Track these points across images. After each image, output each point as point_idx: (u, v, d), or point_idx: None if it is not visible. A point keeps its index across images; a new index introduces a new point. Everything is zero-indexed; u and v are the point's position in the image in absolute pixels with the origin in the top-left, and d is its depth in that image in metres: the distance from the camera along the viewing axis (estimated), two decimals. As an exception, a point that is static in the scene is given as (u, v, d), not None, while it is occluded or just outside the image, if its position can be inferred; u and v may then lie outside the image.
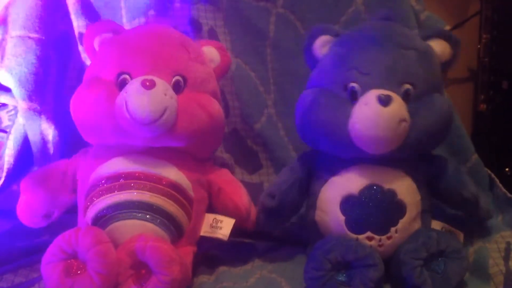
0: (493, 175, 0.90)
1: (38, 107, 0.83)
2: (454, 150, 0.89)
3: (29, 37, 0.82)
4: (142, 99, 0.65)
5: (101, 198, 0.68)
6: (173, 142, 0.70)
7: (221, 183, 0.76)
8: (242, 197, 0.76)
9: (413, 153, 0.69)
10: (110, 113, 0.67)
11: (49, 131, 0.85)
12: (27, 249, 0.78)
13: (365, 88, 0.65)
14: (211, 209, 0.76)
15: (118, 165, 0.70)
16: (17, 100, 0.83)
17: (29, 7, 0.82)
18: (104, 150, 0.72)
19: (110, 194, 0.68)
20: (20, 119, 0.85)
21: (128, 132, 0.67)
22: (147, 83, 0.65)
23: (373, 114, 0.63)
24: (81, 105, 0.70)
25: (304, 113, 0.70)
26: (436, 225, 0.72)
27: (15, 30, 0.82)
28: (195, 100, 0.71)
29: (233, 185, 0.77)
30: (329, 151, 0.71)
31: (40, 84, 0.82)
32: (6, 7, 0.85)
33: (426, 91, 0.67)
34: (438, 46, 0.72)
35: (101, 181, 0.69)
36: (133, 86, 0.66)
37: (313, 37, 0.74)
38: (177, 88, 0.70)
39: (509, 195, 0.86)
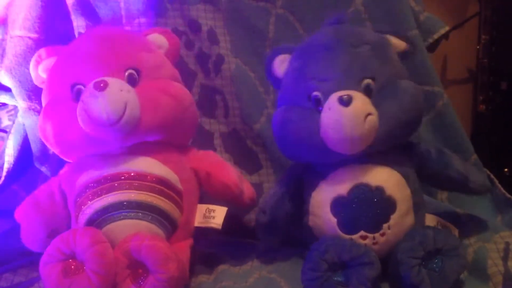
0: (492, 176, 0.90)
1: (38, 107, 0.83)
2: (453, 151, 0.88)
3: (29, 37, 0.82)
4: (99, 101, 0.64)
5: (89, 204, 0.68)
6: (146, 135, 0.69)
7: (208, 167, 0.75)
8: (230, 176, 0.75)
9: (391, 144, 0.69)
10: (76, 126, 0.67)
11: (49, 131, 0.84)
12: (26, 249, 0.78)
13: (327, 94, 0.66)
14: (203, 196, 0.76)
15: (100, 169, 0.69)
16: (17, 99, 0.84)
17: (29, 7, 0.82)
18: (85, 160, 0.71)
19: (97, 199, 0.68)
20: (20, 119, 0.86)
21: (99, 139, 0.67)
22: (101, 85, 0.64)
23: (338, 116, 0.63)
24: (48, 129, 0.70)
25: (278, 132, 0.72)
26: (430, 219, 0.72)
27: (15, 30, 0.82)
28: (153, 88, 0.70)
29: (219, 166, 0.76)
30: (312, 161, 0.72)
31: (40, 84, 0.82)
32: (6, 7, 0.85)
33: (387, 80, 0.68)
34: (392, 40, 0.73)
35: (87, 187, 0.69)
36: (88, 92, 0.65)
37: (270, 60, 0.76)
38: (132, 81, 0.70)
39: (508, 195, 0.86)
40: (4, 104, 0.90)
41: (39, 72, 0.75)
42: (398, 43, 0.73)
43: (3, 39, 0.85)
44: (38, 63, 0.75)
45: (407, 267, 0.63)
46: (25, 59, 0.82)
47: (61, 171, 0.75)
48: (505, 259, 0.69)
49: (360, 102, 0.64)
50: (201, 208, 0.74)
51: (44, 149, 0.85)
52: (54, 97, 0.71)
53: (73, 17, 0.88)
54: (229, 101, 0.92)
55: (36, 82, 0.77)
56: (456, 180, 0.73)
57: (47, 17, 0.84)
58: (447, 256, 0.64)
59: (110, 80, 0.66)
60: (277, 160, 0.91)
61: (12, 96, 0.85)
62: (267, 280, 0.71)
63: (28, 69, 0.82)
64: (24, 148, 0.88)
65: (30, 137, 0.86)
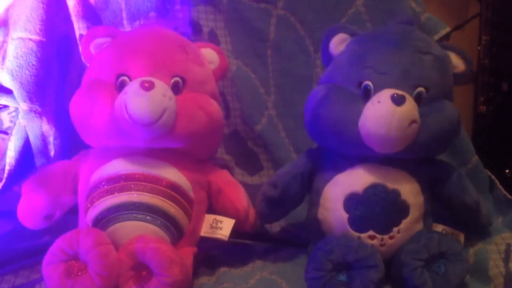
0: (493, 177, 0.90)
1: (39, 109, 0.83)
2: (454, 152, 0.89)
3: (30, 39, 0.82)
4: (141, 100, 0.65)
5: (101, 199, 0.68)
6: (172, 143, 0.70)
7: (221, 184, 0.76)
8: (241, 199, 0.76)
9: (419, 156, 0.69)
10: (110, 115, 0.67)
11: (50, 133, 0.84)
12: (28, 250, 0.78)
13: (379, 87, 0.66)
14: (210, 209, 0.77)
15: (118, 166, 0.70)
16: (18, 101, 0.83)
17: (30, 9, 0.82)
18: (104, 151, 0.72)
19: (110, 196, 0.68)
20: (21, 121, 0.85)
21: (127, 134, 0.67)
22: (146, 84, 0.65)
23: (386, 112, 0.63)
24: (81, 108, 0.70)
25: (315, 108, 0.70)
26: (437, 227, 0.72)
27: (16, 32, 0.82)
28: (194, 101, 0.71)
29: (232, 186, 0.78)
30: (336, 148, 0.71)
31: (41, 86, 0.82)
32: (7, 9, 0.85)
33: (438, 96, 0.68)
34: (453, 58, 0.73)
35: (102, 182, 0.69)
36: (132, 88, 0.66)
37: (330, 35, 0.75)
38: (176, 89, 0.71)
39: (509, 196, 0.86)
40: (5, 106, 0.90)
41: (90, 48, 0.76)
42: (457, 64, 0.72)
43: (4, 41, 0.84)
44: (92, 38, 0.76)
45: (410, 269, 0.63)
46: (26, 61, 0.82)
47: (79, 157, 0.76)
48: (506, 260, 0.69)
49: (411, 106, 0.64)
50: (209, 218, 0.75)
51: (45, 151, 0.85)
52: (97, 79, 0.72)
53: (74, 19, 0.88)
54: (230, 102, 0.92)
55: (83, 57, 0.78)
56: (468, 207, 0.73)
57: (48, 19, 0.84)
58: (450, 260, 0.65)
59: (157, 82, 0.66)
60: (278, 161, 0.91)
61: (13, 98, 0.85)
62: (268, 282, 0.71)
63: (29, 71, 0.81)
64: (25, 149, 0.87)
65: (31, 139, 0.85)
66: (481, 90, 1.06)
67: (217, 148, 0.84)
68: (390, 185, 0.67)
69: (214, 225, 0.73)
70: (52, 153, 0.85)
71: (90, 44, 0.76)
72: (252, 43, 0.93)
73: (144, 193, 0.68)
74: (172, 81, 0.71)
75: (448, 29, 0.94)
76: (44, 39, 0.83)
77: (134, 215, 0.67)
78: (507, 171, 0.98)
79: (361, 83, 0.68)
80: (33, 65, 0.82)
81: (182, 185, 0.71)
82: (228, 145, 0.92)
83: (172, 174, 0.71)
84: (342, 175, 0.70)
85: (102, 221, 0.68)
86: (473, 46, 1.08)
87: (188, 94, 0.71)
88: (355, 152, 0.69)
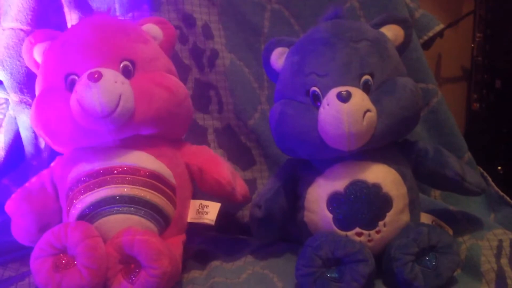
0: (485, 174, 0.90)
1: (30, 100, 0.82)
2: (447, 149, 0.88)
3: (22, 30, 0.82)
4: (92, 92, 0.63)
5: (81, 197, 0.67)
6: (139, 128, 0.68)
7: (201, 163, 0.74)
8: (223, 173, 0.74)
9: (389, 141, 0.69)
10: (69, 118, 0.66)
11: (40, 125, 0.84)
12: (17, 243, 0.77)
13: (326, 90, 0.66)
14: (198, 192, 0.76)
15: (93, 163, 0.68)
16: (8, 92, 0.83)
17: (21, -1, 0.81)
18: (77, 152, 0.71)
19: (89, 193, 0.67)
20: (12, 112, 0.85)
21: (92, 130, 0.66)
22: (95, 75, 0.63)
23: (336, 112, 0.63)
24: (40, 119, 0.69)
25: (276, 127, 0.71)
26: (426, 218, 0.72)
27: (7, 22, 0.82)
28: (148, 80, 0.69)
29: (212, 162, 0.76)
30: (308, 157, 0.72)
31: (32, 77, 0.81)
32: (-2, -1, 0.84)
33: (386, 77, 0.68)
34: (390, 31, 0.72)
35: (79, 181, 0.68)
36: (81, 83, 0.64)
37: (268, 52, 0.75)
38: (127, 73, 0.69)
39: (501, 193, 0.86)
40: (-5, 98, 0.89)
41: (34, 55, 0.74)
42: (395, 36, 0.72)
43: (-6, 31, 0.84)
44: (32, 46, 0.74)
45: (401, 263, 0.63)
46: (17, 52, 0.81)
47: (53, 164, 0.74)
48: (498, 256, 0.69)
49: (359, 98, 0.64)
50: (194, 203, 0.74)
51: (36, 143, 0.84)
52: (47, 86, 0.70)
53: (66, 10, 0.87)
54: (223, 97, 0.91)
55: (29, 66, 0.75)
56: (452, 180, 0.72)
57: (40, 10, 0.83)
58: (441, 253, 0.64)
59: (105, 71, 0.65)
60: (271, 156, 0.91)
61: (4, 89, 0.84)
62: (260, 276, 0.71)
63: (20, 61, 0.81)
64: (16, 142, 0.87)
65: (22, 131, 0.85)
66: (475, 87, 1.07)
67: (188, 123, 0.79)
68: (371, 180, 0.67)
69: (200, 210, 0.73)
70: (42, 145, 0.85)
71: (33, 53, 0.74)
72: (246, 37, 0.93)
73: (123, 185, 0.67)
74: (121, 65, 0.69)
75: (442, 26, 0.95)
76: (35, 30, 0.82)
77: (117, 208, 0.66)
78: (499, 168, 0.99)
79: (308, 91, 0.68)
80: (24, 55, 0.81)
81: (161, 172, 0.70)
82: (220, 140, 0.92)
83: (149, 162, 0.69)
84: (322, 177, 0.70)
85: (85, 218, 0.67)
86: (467, 43, 1.09)
87: (141, 75, 0.70)
88: (327, 156, 0.69)
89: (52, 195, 0.72)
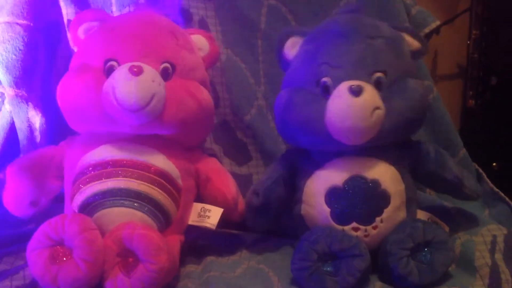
0: (480, 170, 0.91)
1: (26, 94, 0.82)
2: (442, 145, 0.89)
3: (17, 23, 0.81)
4: (129, 85, 0.64)
5: (88, 185, 0.67)
6: (161, 129, 0.69)
7: (209, 172, 0.75)
8: (229, 187, 0.75)
9: (393, 140, 0.69)
10: (97, 100, 0.66)
11: (36, 119, 0.84)
12: (13, 237, 0.77)
13: (337, 81, 0.66)
14: (199, 198, 0.76)
15: (105, 152, 0.69)
16: (4, 86, 0.82)
17: (18, -8, 0.81)
18: (91, 137, 0.71)
19: (97, 182, 0.67)
20: (7, 106, 0.84)
21: (115, 119, 0.66)
22: (135, 69, 0.64)
23: (346, 105, 0.63)
24: (68, 92, 0.69)
25: (281, 114, 0.71)
26: (422, 215, 0.72)
27: (3, 16, 0.81)
28: (183, 88, 0.70)
29: (221, 174, 0.77)
30: (310, 148, 0.72)
31: (28, 71, 0.81)
32: (-6, -7, 0.84)
33: (398, 76, 0.68)
34: (407, 38, 0.72)
35: (88, 168, 0.68)
36: (121, 73, 0.65)
37: (282, 40, 0.75)
38: (165, 75, 0.70)
39: (496, 189, 0.87)
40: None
41: (78, 32, 0.74)
42: (411, 41, 0.72)
43: (-10, 25, 0.83)
44: (79, 23, 0.74)
45: (396, 258, 0.64)
46: (13, 46, 0.81)
47: (65, 143, 0.74)
48: (492, 251, 0.69)
49: (370, 94, 0.64)
50: (197, 206, 0.74)
51: (31, 137, 0.84)
52: (85, 63, 0.70)
53: (62, 4, 0.87)
54: (220, 92, 0.91)
55: (71, 43, 0.76)
56: (450, 183, 0.73)
57: (36, 4, 0.83)
58: (436, 249, 0.65)
59: (146, 67, 0.65)
60: (267, 151, 0.91)
61: (-1, 83, 0.84)
62: (256, 270, 0.71)
63: (16, 55, 0.80)
64: (11, 136, 0.86)
65: (17, 125, 0.84)
66: (470, 84, 1.07)
67: (206, 136, 0.83)
68: (370, 176, 0.67)
69: (202, 213, 0.73)
70: (38, 139, 0.84)
71: (79, 28, 0.75)
72: (242, 33, 0.93)
73: (131, 179, 0.67)
74: (162, 67, 0.70)
75: (438, 23, 0.95)
76: (31, 24, 0.82)
77: (121, 201, 0.66)
78: (494, 164, 0.99)
79: (319, 81, 0.68)
80: (20, 49, 0.81)
81: (170, 173, 0.70)
82: (217, 135, 0.92)
83: (160, 161, 0.70)
84: (321, 170, 0.70)
85: (89, 207, 0.67)
86: (463, 40, 1.09)
87: (177, 80, 0.71)
88: (329, 148, 0.69)
89: (55, 174, 0.72)
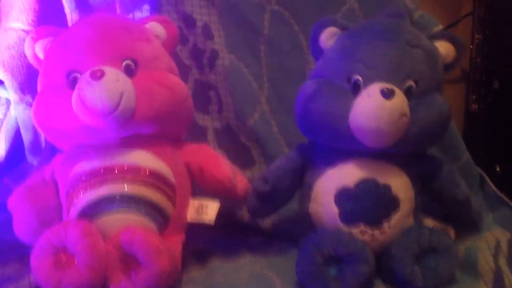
0: (483, 174, 0.91)
1: (31, 100, 0.83)
2: (445, 148, 0.89)
3: (23, 30, 0.82)
4: (94, 90, 0.63)
5: (81, 196, 0.67)
6: (140, 127, 0.68)
7: (200, 162, 0.74)
8: (223, 171, 0.74)
9: (410, 150, 0.69)
10: (71, 115, 0.65)
11: (41, 125, 0.84)
12: (18, 242, 0.77)
13: (369, 82, 0.65)
14: (198, 190, 0.76)
15: (93, 161, 0.68)
16: (9, 92, 0.83)
17: (23, -1, 0.82)
18: (77, 150, 0.71)
19: (90, 191, 0.67)
20: (12, 112, 0.85)
21: (93, 128, 0.66)
22: (97, 74, 0.63)
23: (376, 106, 0.63)
24: (41, 114, 0.69)
25: (305, 103, 0.70)
26: (428, 222, 0.72)
27: (8, 22, 0.82)
28: (150, 79, 0.69)
29: (212, 160, 0.75)
30: (327, 142, 0.71)
31: (33, 77, 0.81)
32: (-1, 0, 0.84)
33: (428, 90, 0.68)
34: (443, 48, 0.72)
35: (79, 179, 0.68)
36: (83, 81, 0.64)
37: (320, 28, 0.74)
38: (129, 72, 0.69)
39: (499, 193, 0.87)
40: (-3, 98, 0.89)
41: (36, 51, 0.74)
42: (445, 54, 0.72)
43: (-5, 31, 0.84)
44: (34, 41, 0.73)
45: (401, 263, 0.64)
46: (18, 52, 0.82)
47: (54, 160, 0.74)
48: (496, 256, 0.70)
49: (400, 100, 0.64)
50: (194, 203, 0.74)
51: (36, 142, 0.85)
52: (49, 82, 0.70)
53: (67, 10, 0.87)
54: (223, 97, 0.92)
55: (31, 62, 0.75)
56: (459, 202, 0.72)
57: (41, 10, 0.84)
58: (441, 255, 0.65)
59: (107, 69, 0.65)
60: (271, 156, 0.91)
61: (5, 89, 0.84)
62: (259, 275, 0.71)
63: (21, 61, 0.81)
64: (16, 141, 0.87)
65: (22, 130, 0.85)
66: (473, 88, 1.07)
67: (190, 122, 0.80)
68: (382, 180, 0.67)
69: (199, 210, 0.73)
70: (42, 145, 0.85)
71: (35, 48, 0.74)
72: (246, 38, 0.93)
73: (124, 184, 0.67)
74: (123, 64, 0.69)
75: (441, 27, 0.95)
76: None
77: (117, 207, 0.66)
78: (497, 168, 0.99)
79: (350, 77, 0.68)
80: (25, 56, 0.81)
81: (161, 171, 0.70)
82: (220, 140, 0.92)
83: (149, 161, 0.69)
84: (333, 169, 0.70)
85: (85, 217, 0.67)
86: (466, 44, 1.09)
87: (143, 74, 0.69)
88: (346, 146, 0.69)
89: (53, 190, 0.72)
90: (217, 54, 0.91)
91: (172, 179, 0.71)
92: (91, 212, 0.67)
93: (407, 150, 0.68)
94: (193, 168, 0.74)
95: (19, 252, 0.75)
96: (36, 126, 0.71)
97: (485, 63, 1.05)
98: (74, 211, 0.68)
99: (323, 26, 0.73)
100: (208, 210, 0.72)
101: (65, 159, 0.72)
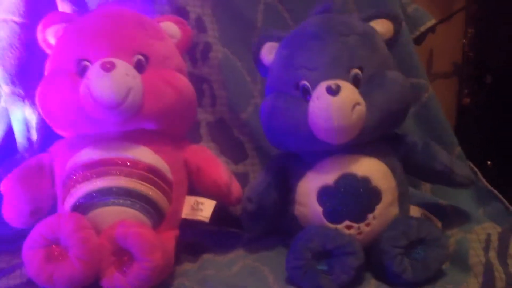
0: (475, 168, 0.91)
1: (22, 92, 0.82)
2: (437, 143, 0.89)
3: (14, 21, 0.81)
4: (104, 82, 0.63)
5: (78, 186, 0.67)
6: (143, 123, 0.69)
7: (199, 162, 0.75)
8: (220, 174, 0.74)
9: (378, 135, 0.69)
10: (76, 103, 0.65)
11: (33, 117, 0.84)
12: (9, 235, 0.77)
13: (315, 83, 0.66)
14: (192, 188, 0.76)
15: (93, 152, 0.68)
16: (0, 84, 0.82)
17: (14, -10, 0.81)
18: (77, 139, 0.71)
19: (87, 182, 0.67)
20: (4, 104, 0.84)
21: (97, 120, 0.66)
22: (107, 65, 0.63)
23: (326, 105, 0.63)
24: (46, 99, 0.69)
25: (266, 120, 0.71)
26: (415, 210, 0.73)
27: (0, 13, 0.81)
28: (159, 77, 0.69)
29: (211, 162, 0.76)
30: (299, 150, 0.72)
31: (24, 69, 0.81)
32: (-10, -9, 0.83)
33: (375, 71, 0.68)
34: (380, 25, 0.73)
35: (77, 169, 0.68)
36: (93, 71, 0.64)
37: (258, 47, 0.76)
38: (140, 67, 0.69)
39: (490, 188, 0.87)
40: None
41: (47, 36, 0.74)
42: (384, 30, 0.72)
43: (-14, 23, 0.83)
44: (46, 26, 0.74)
45: (390, 256, 0.64)
46: (9, 43, 0.81)
47: (53, 148, 0.74)
48: (486, 249, 0.70)
49: (348, 91, 0.64)
50: (189, 200, 0.74)
51: (28, 135, 0.84)
52: (58, 67, 0.70)
53: (58, 1, 0.87)
54: (216, 90, 0.91)
55: (42, 46, 0.75)
56: (441, 173, 0.73)
57: (32, 2, 0.83)
58: (429, 246, 0.65)
59: (118, 62, 0.65)
60: (263, 150, 0.91)
61: (-4, 81, 0.84)
62: (251, 269, 0.71)
63: (12, 53, 0.80)
64: (8, 134, 0.86)
65: (14, 123, 0.84)
66: (466, 83, 1.08)
67: (192, 123, 0.81)
68: (360, 173, 0.68)
69: (195, 206, 0.73)
70: (34, 138, 0.84)
71: (46, 33, 0.74)
72: (239, 31, 0.93)
73: (121, 177, 0.67)
74: (135, 59, 0.69)
75: (434, 21, 0.95)
76: (27, 22, 0.82)
77: (112, 200, 0.66)
78: (489, 162, 1.00)
79: (298, 84, 0.69)
80: (16, 47, 0.81)
81: (159, 167, 0.70)
82: (213, 133, 0.92)
83: (148, 156, 0.69)
84: (312, 171, 0.70)
85: (80, 208, 0.67)
86: (458, 39, 1.09)
87: (153, 71, 0.70)
88: (317, 149, 0.69)
89: (49, 179, 0.71)
90: (210, 47, 0.91)
91: (169, 175, 0.71)
92: (86, 203, 0.67)
93: (375, 135, 0.69)
94: (191, 166, 0.75)
95: (11, 246, 0.75)
96: (39, 108, 0.70)
97: (477, 58, 1.05)
98: (70, 201, 0.67)
99: (260, 44, 0.75)
100: (203, 207, 0.73)
101: (64, 148, 0.72)
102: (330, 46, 0.68)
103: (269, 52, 0.75)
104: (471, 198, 0.89)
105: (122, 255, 0.64)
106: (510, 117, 0.99)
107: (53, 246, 0.63)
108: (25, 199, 0.69)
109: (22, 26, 0.81)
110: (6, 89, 0.82)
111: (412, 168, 0.74)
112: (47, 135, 0.84)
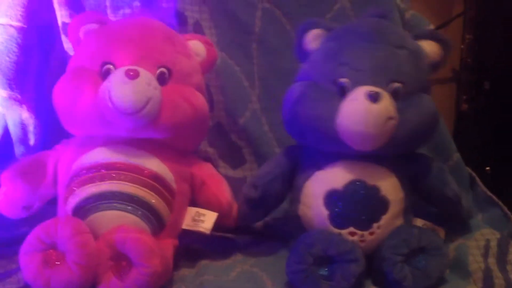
0: (474, 174, 0.91)
1: (19, 96, 0.82)
2: (436, 149, 0.89)
3: (11, 25, 0.81)
4: (125, 88, 0.64)
5: (81, 188, 0.67)
6: (156, 133, 0.69)
7: (204, 177, 0.75)
8: (224, 193, 0.75)
9: (399, 152, 0.69)
10: (94, 103, 0.66)
11: (30, 121, 0.83)
12: (6, 240, 0.77)
13: (355, 84, 0.65)
14: (193, 202, 0.76)
15: (100, 155, 0.69)
16: (-2, 88, 0.82)
17: (12, -5, 0.81)
18: (86, 140, 0.71)
19: (91, 184, 0.67)
20: (0, 109, 0.84)
21: (111, 122, 0.66)
22: (131, 73, 0.65)
23: (362, 110, 0.63)
24: (64, 94, 0.69)
25: (292, 106, 0.70)
26: (417, 222, 0.72)
27: (-3, 17, 0.81)
28: (179, 93, 0.70)
29: (216, 179, 0.77)
30: (315, 145, 0.71)
31: (21, 73, 0.80)
32: (-12, -5, 0.83)
33: (415, 91, 0.68)
34: (428, 47, 0.72)
35: (82, 171, 0.68)
36: (117, 76, 0.65)
37: (304, 30, 0.74)
38: (162, 79, 0.70)
39: (489, 194, 0.87)
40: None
41: (79, 32, 0.75)
42: (432, 53, 0.72)
43: (-16, 27, 0.83)
44: (82, 23, 0.75)
45: (391, 264, 0.64)
46: (6, 48, 0.80)
47: (59, 146, 0.74)
48: (485, 256, 0.70)
49: (387, 103, 0.64)
50: (191, 210, 0.74)
51: (25, 139, 0.84)
52: (82, 65, 0.71)
53: (56, 6, 0.87)
54: (214, 95, 0.91)
55: (71, 41, 0.77)
56: (450, 200, 0.73)
57: (30, 6, 0.82)
58: (430, 255, 0.65)
59: (142, 71, 0.66)
60: (261, 155, 0.91)
61: (-7, 85, 0.83)
62: (249, 274, 0.71)
63: (9, 57, 0.80)
64: (5, 138, 0.86)
65: (11, 127, 0.84)
66: (464, 89, 1.08)
67: (201, 141, 0.83)
68: (370, 181, 0.67)
69: (196, 218, 0.73)
70: (31, 142, 0.84)
71: (80, 29, 0.75)
72: (237, 36, 0.93)
73: (125, 182, 0.67)
74: (158, 71, 0.70)
75: (432, 27, 0.95)
76: (25, 26, 0.82)
77: (115, 204, 0.66)
78: (487, 168, 1.00)
79: (336, 80, 0.67)
80: (13, 51, 0.80)
81: (164, 176, 0.70)
82: (211, 138, 0.92)
83: (154, 164, 0.70)
84: (322, 172, 0.70)
85: (82, 210, 0.67)
86: (456, 44, 1.09)
87: (173, 85, 0.71)
88: (334, 149, 0.69)
89: (50, 179, 0.72)
90: (208, 52, 0.91)
91: (173, 184, 0.71)
92: (88, 205, 0.67)
93: (395, 152, 0.68)
94: (196, 180, 0.75)
95: (7, 250, 0.74)
96: (55, 104, 0.71)
97: (475, 64, 1.05)
98: (72, 202, 0.68)
99: (307, 28, 0.73)
100: (205, 219, 0.73)
101: (71, 148, 0.72)
102: (380, 52, 0.67)
103: (314, 39, 0.73)
104: (470, 201, 0.88)
105: (120, 260, 0.63)
106: (508, 123, 0.99)
107: (50, 250, 0.63)
108: (22, 194, 0.69)
109: (20, 30, 0.81)
110: (3, 93, 0.81)
111: (421, 189, 0.73)
112: (44, 140, 0.84)
